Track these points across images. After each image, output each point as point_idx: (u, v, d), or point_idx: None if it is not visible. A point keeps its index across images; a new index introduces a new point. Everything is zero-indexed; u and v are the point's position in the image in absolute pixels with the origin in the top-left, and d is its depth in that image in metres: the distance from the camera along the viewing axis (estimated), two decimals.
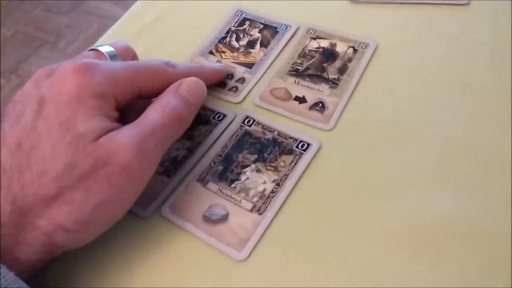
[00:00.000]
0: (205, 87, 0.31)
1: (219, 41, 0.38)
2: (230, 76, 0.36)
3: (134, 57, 0.33)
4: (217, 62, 0.37)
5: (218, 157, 0.31)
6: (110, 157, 0.24)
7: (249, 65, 0.36)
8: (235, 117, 0.33)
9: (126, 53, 0.32)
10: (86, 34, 1.64)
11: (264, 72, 0.36)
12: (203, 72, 0.33)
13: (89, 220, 0.24)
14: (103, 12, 1.72)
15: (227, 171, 0.30)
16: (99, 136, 0.25)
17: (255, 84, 0.35)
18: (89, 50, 0.31)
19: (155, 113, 0.27)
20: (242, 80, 0.35)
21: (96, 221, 0.25)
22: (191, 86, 0.30)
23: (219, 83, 0.35)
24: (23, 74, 1.51)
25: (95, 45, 0.32)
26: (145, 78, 0.29)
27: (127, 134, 0.25)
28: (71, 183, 0.23)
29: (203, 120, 0.33)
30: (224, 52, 0.37)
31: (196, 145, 0.32)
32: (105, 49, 0.31)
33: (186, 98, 0.29)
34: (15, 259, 0.23)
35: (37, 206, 0.23)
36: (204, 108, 0.34)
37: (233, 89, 0.35)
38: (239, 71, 0.36)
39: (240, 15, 0.40)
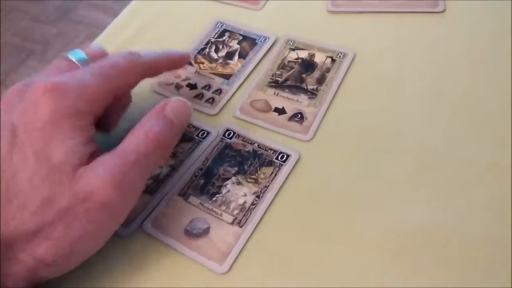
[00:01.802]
0: (191, 108, 0.30)
1: (199, 52, 0.38)
2: (207, 87, 0.36)
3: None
4: (195, 72, 0.37)
5: (199, 171, 0.31)
6: (89, 193, 0.23)
7: (227, 76, 0.36)
8: (218, 134, 0.33)
9: (99, 58, 0.30)
10: (74, 43, 1.64)
11: (242, 83, 0.36)
12: (167, 57, 0.33)
13: (70, 253, 0.24)
14: (91, 20, 1.72)
15: (208, 184, 0.31)
16: (77, 166, 0.24)
17: (232, 96, 0.35)
18: (60, 59, 0.30)
19: (137, 140, 0.26)
20: (219, 91, 0.36)
21: (76, 253, 0.24)
22: (177, 107, 0.28)
23: (196, 94, 0.36)
24: (11, 85, 1.50)
25: (67, 52, 0.31)
26: (116, 81, 0.28)
27: (108, 165, 0.24)
28: (50, 218, 0.23)
29: (186, 137, 0.33)
30: (203, 63, 0.38)
31: (179, 163, 0.32)
32: (76, 56, 0.29)
33: (171, 121, 0.27)
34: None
35: (18, 240, 0.23)
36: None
37: (210, 100, 0.35)
38: (217, 82, 0.36)
39: (220, 26, 0.40)
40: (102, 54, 0.31)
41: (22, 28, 1.73)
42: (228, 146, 0.32)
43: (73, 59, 0.29)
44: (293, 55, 0.37)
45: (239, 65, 0.37)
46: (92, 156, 0.25)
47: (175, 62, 0.34)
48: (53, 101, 0.24)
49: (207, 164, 0.32)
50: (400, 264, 0.26)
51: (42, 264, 0.23)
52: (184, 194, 0.30)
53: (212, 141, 0.33)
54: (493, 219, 0.27)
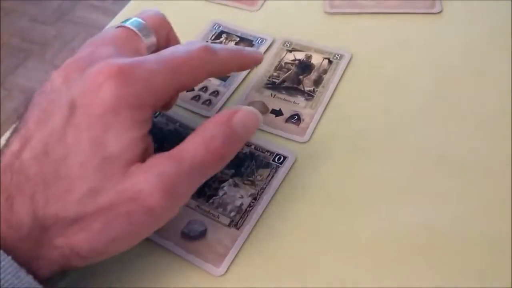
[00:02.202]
0: (260, 119, 0.27)
1: None
2: (204, 88, 0.36)
3: (168, 29, 0.30)
4: None
5: None
6: (137, 194, 0.22)
7: (224, 78, 0.36)
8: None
9: (159, 26, 0.29)
10: (73, 44, 1.64)
11: (239, 85, 0.36)
12: (242, 57, 0.30)
13: (105, 251, 0.23)
14: (90, 21, 1.72)
15: (205, 187, 0.31)
16: (130, 161, 0.23)
17: (229, 97, 0.35)
18: (117, 27, 0.28)
19: (196, 147, 0.24)
20: (216, 93, 0.36)
21: (111, 251, 0.24)
22: (247, 119, 0.26)
23: (193, 96, 0.35)
24: (9, 87, 1.51)
25: (124, 21, 0.29)
26: (185, 76, 0.26)
27: (161, 170, 0.23)
28: (93, 210, 0.22)
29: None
30: None
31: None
32: (135, 25, 0.28)
33: (237, 134, 0.25)
34: (31, 273, 0.22)
35: (56, 225, 0.22)
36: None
37: (207, 102, 0.35)
38: (214, 83, 0.36)
39: (217, 28, 0.40)
40: (162, 22, 0.29)
41: (20, 29, 1.73)
42: None
43: (133, 28, 0.28)
44: (290, 57, 0.37)
45: None
46: (146, 151, 0.24)
47: (248, 62, 0.32)
48: (118, 87, 0.23)
49: None
50: (397, 265, 0.26)
51: (76, 255, 0.23)
52: None
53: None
54: (491, 221, 0.27)
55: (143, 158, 0.24)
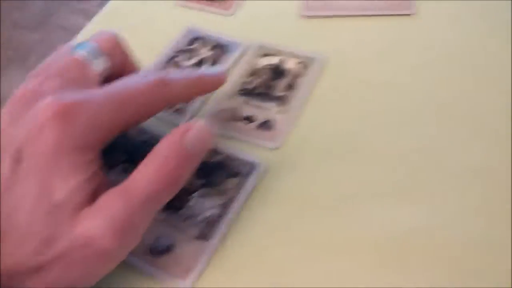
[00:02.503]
0: (213, 135, 0.26)
1: (169, 61, 0.37)
2: None
3: (122, 54, 0.29)
4: None
5: None
6: (89, 240, 0.22)
7: None
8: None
9: (113, 50, 0.28)
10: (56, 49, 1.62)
11: (212, 92, 0.35)
12: (201, 83, 0.29)
13: None
14: (73, 26, 1.70)
15: (174, 198, 0.29)
16: (80, 205, 0.22)
17: (201, 105, 0.34)
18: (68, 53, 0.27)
19: (149, 177, 0.23)
20: None
21: None
22: (199, 136, 0.25)
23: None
24: None
25: (76, 46, 0.28)
26: (135, 112, 0.25)
27: (110, 211, 0.22)
28: (49, 259, 0.22)
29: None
30: None
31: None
32: (87, 51, 0.27)
33: (191, 153, 0.24)
34: None
35: (18, 275, 0.22)
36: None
37: (179, 111, 0.34)
38: None
39: (191, 34, 0.39)
40: (115, 46, 0.28)
41: (2, 35, 1.71)
42: None
43: (82, 56, 0.26)
44: (264, 62, 0.36)
45: None
46: (96, 191, 0.23)
47: (209, 87, 0.30)
48: (61, 129, 0.22)
49: None
50: (375, 269, 0.26)
51: None
52: None
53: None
54: (485, 223, 0.27)
55: (94, 197, 0.23)
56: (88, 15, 1.68)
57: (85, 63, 0.26)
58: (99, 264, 0.23)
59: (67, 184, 0.22)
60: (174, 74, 0.27)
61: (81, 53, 0.27)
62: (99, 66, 0.27)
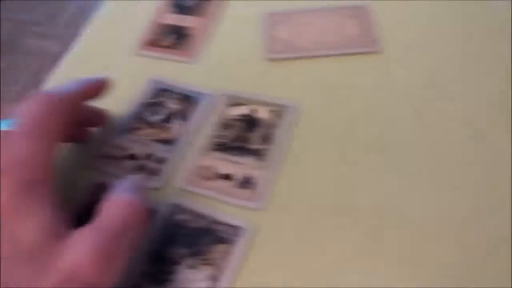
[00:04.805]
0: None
1: (136, 117, 0.36)
2: (149, 156, 0.34)
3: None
4: (134, 140, 0.35)
5: (149, 256, 0.29)
6: (73, 273, 0.22)
7: (169, 142, 0.34)
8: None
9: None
10: (26, 74, 1.55)
11: (185, 149, 0.34)
12: (86, 90, 0.31)
13: None
14: (40, 50, 1.63)
15: (158, 272, 0.28)
16: (53, 239, 0.23)
17: (176, 164, 0.33)
18: None
19: (114, 212, 0.25)
20: (162, 160, 0.33)
21: None
22: (134, 181, 0.28)
23: (138, 165, 0.33)
24: None
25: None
26: (49, 133, 0.27)
27: (87, 243, 0.23)
28: None
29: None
30: (141, 129, 0.35)
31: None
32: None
33: (138, 191, 0.27)
34: None
35: None
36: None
37: (153, 172, 0.33)
38: (159, 149, 0.34)
39: (156, 85, 0.38)
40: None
41: None
42: (177, 224, 0.30)
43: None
44: (234, 112, 0.36)
45: (180, 128, 0.35)
46: (61, 222, 0.24)
47: (94, 90, 0.32)
48: (4, 184, 0.23)
49: (156, 249, 0.29)
50: None
51: None
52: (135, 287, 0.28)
53: (159, 220, 0.30)
54: (491, 223, 0.28)
55: (62, 230, 0.24)
56: (55, 37, 1.60)
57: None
58: None
59: (32, 224, 0.23)
60: (57, 89, 0.29)
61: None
62: None
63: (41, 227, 0.23)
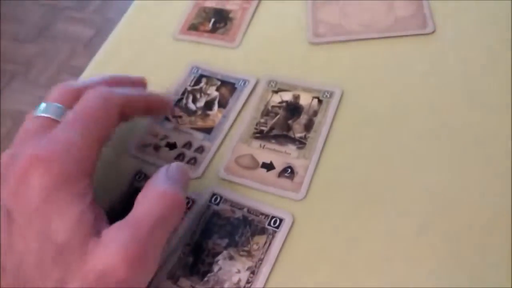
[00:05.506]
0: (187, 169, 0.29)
1: (176, 104, 0.36)
2: (188, 145, 0.33)
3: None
4: (173, 129, 0.34)
5: (187, 247, 0.29)
6: (103, 272, 0.22)
7: (208, 130, 0.34)
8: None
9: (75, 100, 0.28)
10: (57, 60, 1.60)
11: (225, 137, 0.33)
12: (147, 100, 0.31)
13: None
14: (72, 35, 1.68)
15: (198, 262, 0.28)
16: (84, 238, 0.22)
17: (215, 153, 0.33)
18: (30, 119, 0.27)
19: (149, 205, 0.24)
20: (201, 149, 0.33)
21: None
22: (177, 168, 0.27)
23: (177, 154, 0.33)
24: None
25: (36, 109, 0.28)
26: (98, 129, 0.26)
27: (121, 239, 0.22)
28: None
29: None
30: (181, 117, 0.35)
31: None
32: (47, 111, 0.27)
33: (178, 180, 0.26)
34: None
35: None
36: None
37: (192, 161, 0.32)
38: (198, 138, 0.33)
39: (196, 71, 0.38)
40: (78, 95, 0.28)
41: (1, 49, 1.69)
42: (215, 214, 0.30)
43: (46, 115, 0.27)
44: (276, 99, 0.35)
45: (220, 115, 0.34)
46: (97, 221, 0.24)
47: (154, 106, 0.32)
48: (42, 174, 0.23)
49: (195, 239, 0.29)
50: None
51: None
52: (173, 276, 0.28)
53: (198, 210, 0.30)
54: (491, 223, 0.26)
55: (96, 229, 0.23)
56: (86, 23, 1.65)
57: (48, 119, 0.27)
58: None
59: (65, 222, 0.22)
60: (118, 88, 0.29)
61: (46, 115, 0.27)
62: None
63: (74, 226, 0.23)
